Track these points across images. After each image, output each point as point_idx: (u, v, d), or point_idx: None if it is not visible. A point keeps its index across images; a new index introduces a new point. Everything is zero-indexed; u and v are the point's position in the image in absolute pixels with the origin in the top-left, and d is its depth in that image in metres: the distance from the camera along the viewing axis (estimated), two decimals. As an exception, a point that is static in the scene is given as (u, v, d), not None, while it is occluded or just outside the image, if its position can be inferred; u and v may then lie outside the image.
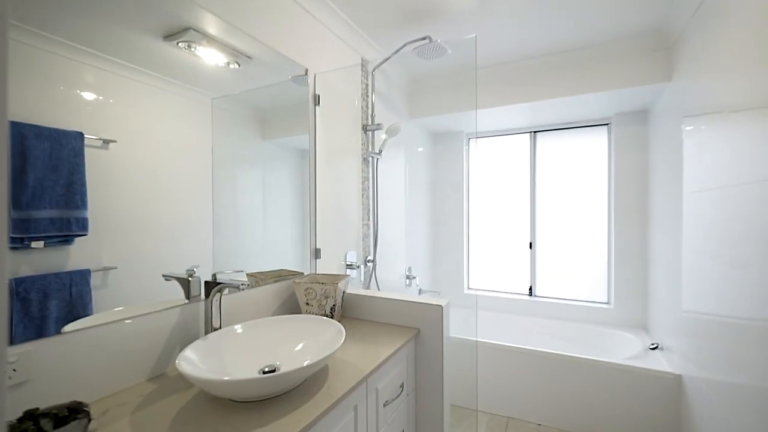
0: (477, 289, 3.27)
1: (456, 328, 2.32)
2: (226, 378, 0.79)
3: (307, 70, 1.66)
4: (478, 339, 2.35)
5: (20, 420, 0.65)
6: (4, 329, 0.34)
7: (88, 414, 0.71)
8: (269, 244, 1.50)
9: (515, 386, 2.23)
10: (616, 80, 2.17)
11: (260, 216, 1.46)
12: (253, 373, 0.99)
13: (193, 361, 0.91)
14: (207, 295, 1.16)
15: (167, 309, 1.06)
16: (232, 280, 1.25)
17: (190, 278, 1.15)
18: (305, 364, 0.86)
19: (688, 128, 1.81)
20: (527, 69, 2.40)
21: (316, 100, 1.71)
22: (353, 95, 2.03)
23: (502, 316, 3.00)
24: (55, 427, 0.66)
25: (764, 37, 1.15)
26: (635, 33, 2.05)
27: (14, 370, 0.74)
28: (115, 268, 0.95)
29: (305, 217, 1.69)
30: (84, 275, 0.89)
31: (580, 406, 2.07)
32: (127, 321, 0.96)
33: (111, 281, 0.94)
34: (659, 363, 1.97)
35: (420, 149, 3.06)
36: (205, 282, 1.18)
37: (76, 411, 0.70)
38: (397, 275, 2.65)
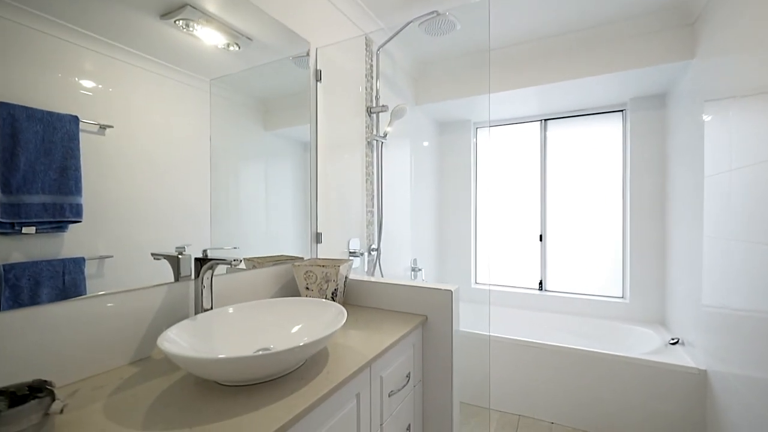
0: (485, 284, 3.16)
1: (464, 323, 2.22)
2: (213, 356, 0.70)
3: (308, 49, 1.58)
4: (486, 334, 2.24)
5: (-29, 398, 0.57)
6: None
7: (51, 393, 0.62)
8: (270, 233, 1.42)
9: (526, 383, 2.12)
10: (634, 59, 2.05)
11: (260, 206, 1.38)
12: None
13: (176, 341, 0.82)
14: (198, 274, 1.07)
15: (152, 287, 0.98)
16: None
17: (180, 256, 1.06)
18: (302, 343, 0.77)
19: (711, 108, 1.70)
20: (539, 50, 2.29)
21: (318, 75, 1.62)
22: (357, 75, 1.95)
23: (510, 311, 2.89)
24: (12, 405, 0.58)
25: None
26: (656, 8, 1.94)
27: (-29, 343, 0.66)
28: (111, 256, 0.90)
29: (307, 209, 1.60)
30: (78, 263, 0.83)
31: (596, 403, 1.95)
32: (109, 304, 0.88)
33: (107, 270, 0.89)
34: (681, 358, 1.85)
35: (425, 143, 2.96)
36: (196, 259, 1.09)
37: (38, 390, 0.62)
38: (402, 267, 2.56)
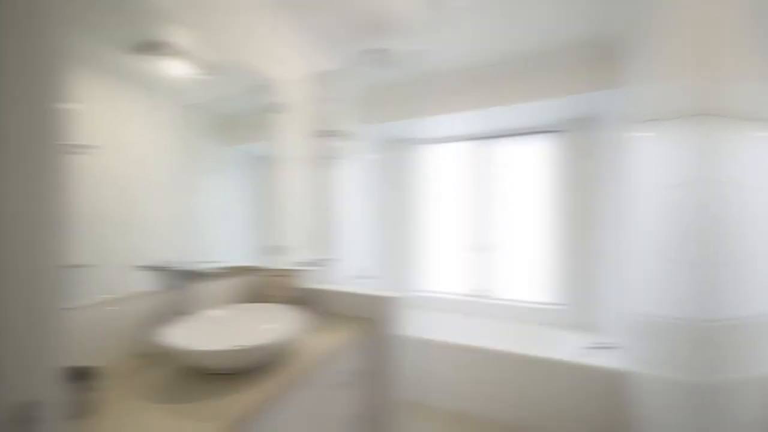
0: (428, 291, 3.37)
1: (408, 327, 2.42)
2: (201, 347, 0.98)
3: (269, 79, 1.84)
4: (429, 338, 2.47)
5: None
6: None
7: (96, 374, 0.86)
8: (232, 245, 1.63)
9: (467, 383, 2.32)
10: (562, 88, 2.33)
11: (219, 219, 1.56)
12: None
13: (171, 337, 1.05)
14: (177, 285, 1.29)
15: (138, 295, 1.19)
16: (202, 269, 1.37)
17: (162, 268, 1.27)
18: (264, 342, 1.04)
19: (632, 134, 1.93)
20: (478, 77, 2.56)
21: (277, 107, 1.88)
22: (312, 103, 2.22)
23: (452, 318, 3.12)
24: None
25: (697, 48, 1.30)
26: (581, 43, 2.21)
27: None
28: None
29: (266, 222, 1.83)
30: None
31: (527, 401, 2.16)
32: (109, 308, 1.10)
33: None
34: (604, 360, 2.06)
35: (372, 157, 3.21)
36: (176, 271, 1.29)
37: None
38: (353, 276, 2.73)
